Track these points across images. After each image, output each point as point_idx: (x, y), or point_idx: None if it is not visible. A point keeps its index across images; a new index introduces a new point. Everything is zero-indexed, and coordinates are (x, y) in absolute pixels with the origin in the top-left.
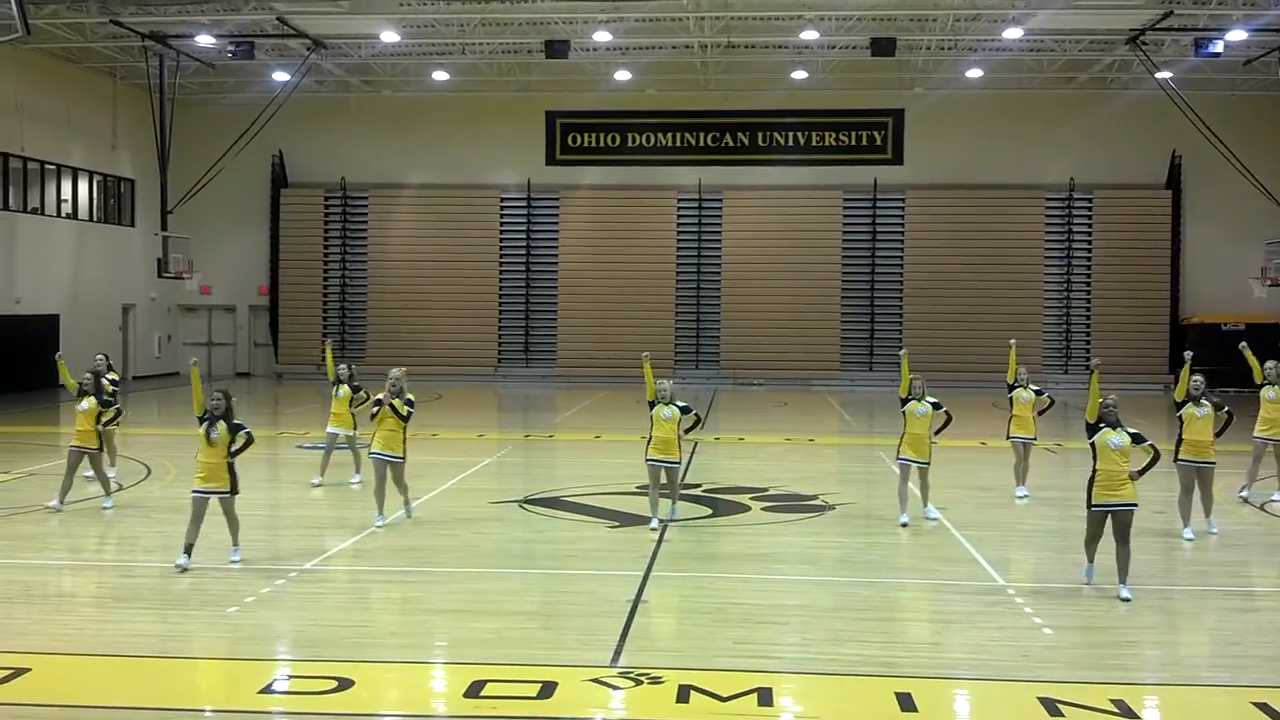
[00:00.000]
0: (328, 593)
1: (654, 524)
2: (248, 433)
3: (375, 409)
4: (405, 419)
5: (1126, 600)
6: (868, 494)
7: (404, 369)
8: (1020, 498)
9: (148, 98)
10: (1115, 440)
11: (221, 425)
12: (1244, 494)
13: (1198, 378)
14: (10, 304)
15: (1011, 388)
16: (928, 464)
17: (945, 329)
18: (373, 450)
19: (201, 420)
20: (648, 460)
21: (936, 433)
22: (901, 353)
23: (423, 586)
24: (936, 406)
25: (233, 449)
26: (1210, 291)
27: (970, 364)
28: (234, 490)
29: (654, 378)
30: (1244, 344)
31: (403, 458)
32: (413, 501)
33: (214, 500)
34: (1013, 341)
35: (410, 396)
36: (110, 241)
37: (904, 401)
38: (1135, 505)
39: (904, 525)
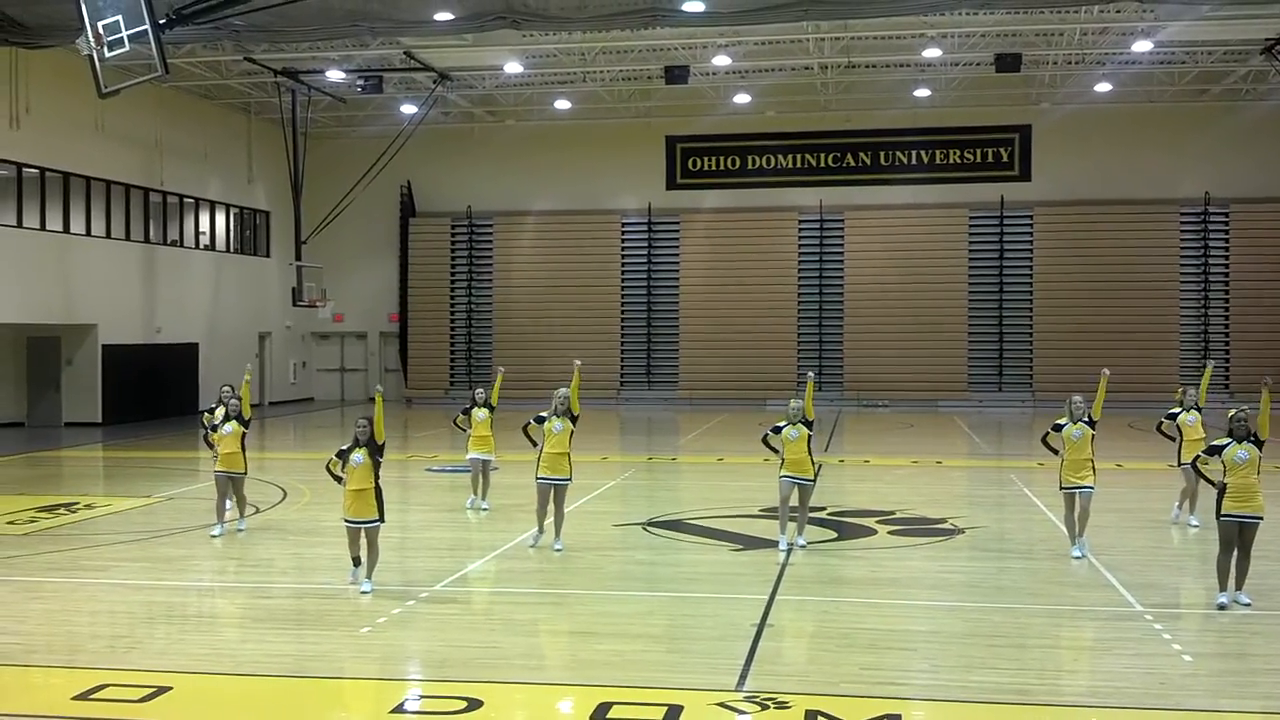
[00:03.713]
0: (457, 614)
1: (782, 544)
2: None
3: (542, 425)
4: (574, 420)
5: (1247, 605)
6: (998, 518)
7: (568, 386)
8: (1192, 526)
9: (281, 132)
10: (1242, 454)
11: (363, 451)
12: None
13: None
14: (151, 333)
15: (1174, 415)
16: (1091, 489)
17: (1077, 349)
18: (539, 474)
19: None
20: (781, 476)
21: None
22: (1104, 373)
23: (549, 608)
24: (1091, 424)
25: (375, 475)
26: None
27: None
28: (381, 518)
29: (804, 397)
30: None
31: (569, 479)
32: (531, 529)
33: (366, 529)
34: (1105, 371)
35: (576, 412)
36: (246, 272)
37: (1057, 427)
38: (1262, 518)
39: (1077, 558)
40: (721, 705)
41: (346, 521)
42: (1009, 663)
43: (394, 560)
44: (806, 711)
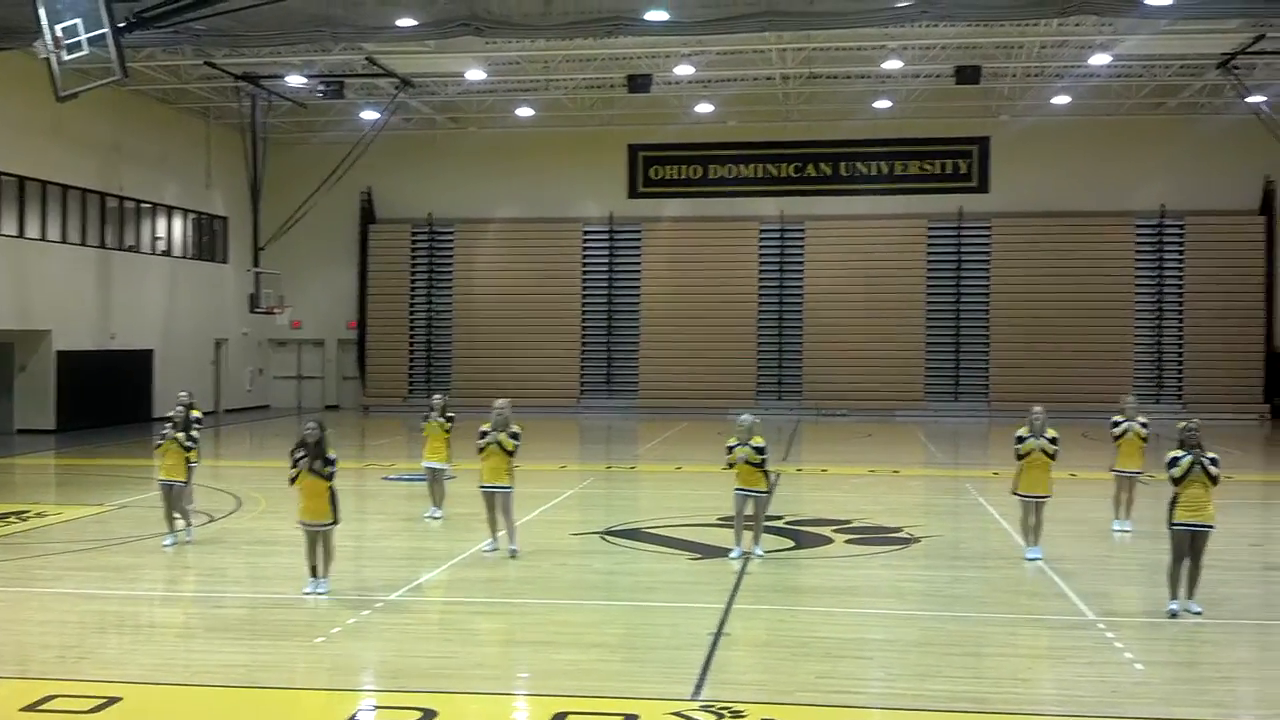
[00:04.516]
0: (412, 624)
1: (735, 553)
2: (333, 469)
3: (481, 442)
4: (511, 454)
5: (1198, 613)
6: (953, 527)
7: (509, 400)
8: (1118, 530)
9: (240, 137)
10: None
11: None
12: None
13: None
14: (106, 339)
15: (1116, 423)
16: (1046, 497)
17: (1033, 359)
18: (482, 482)
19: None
20: (735, 490)
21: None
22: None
23: (505, 618)
24: (1053, 441)
25: (328, 476)
26: None
27: (1059, 394)
28: (336, 520)
29: (734, 411)
30: None
31: (510, 487)
32: (498, 533)
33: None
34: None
35: (516, 429)
36: (203, 278)
37: (1021, 439)
38: (1213, 527)
39: (1031, 560)
40: (677, 714)
41: (303, 525)
42: (964, 671)
43: (349, 569)
44: None
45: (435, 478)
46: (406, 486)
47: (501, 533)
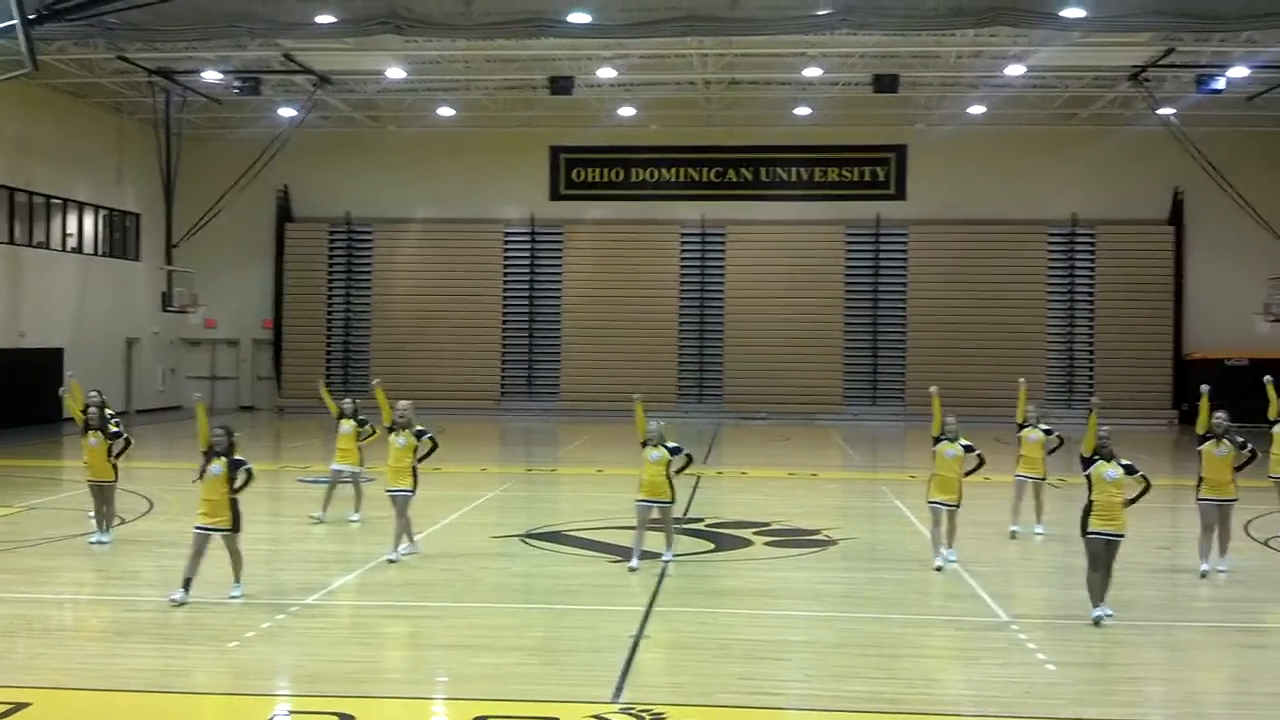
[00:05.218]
0: (329, 628)
1: (634, 564)
2: (248, 469)
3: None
4: (426, 455)
5: (1110, 615)
6: (871, 529)
7: (410, 402)
8: (1013, 531)
9: (154, 133)
10: (1111, 473)
11: (221, 461)
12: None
13: (1220, 414)
14: (14, 337)
15: (1021, 427)
16: (956, 507)
17: (948, 364)
18: (387, 486)
19: (205, 455)
20: (637, 500)
21: (966, 474)
22: (933, 390)
23: (424, 622)
24: (969, 449)
25: (234, 486)
26: (1213, 327)
27: (974, 399)
28: (236, 527)
29: (645, 417)
30: (1269, 378)
31: (409, 490)
32: (416, 536)
33: (217, 537)
34: (1022, 380)
35: (420, 428)
36: (115, 275)
37: (936, 441)
38: (1124, 535)
39: (939, 569)
40: (597, 718)
41: (197, 529)
42: (880, 672)
43: (264, 573)
44: None
45: (345, 479)
46: (324, 489)
47: (417, 537)
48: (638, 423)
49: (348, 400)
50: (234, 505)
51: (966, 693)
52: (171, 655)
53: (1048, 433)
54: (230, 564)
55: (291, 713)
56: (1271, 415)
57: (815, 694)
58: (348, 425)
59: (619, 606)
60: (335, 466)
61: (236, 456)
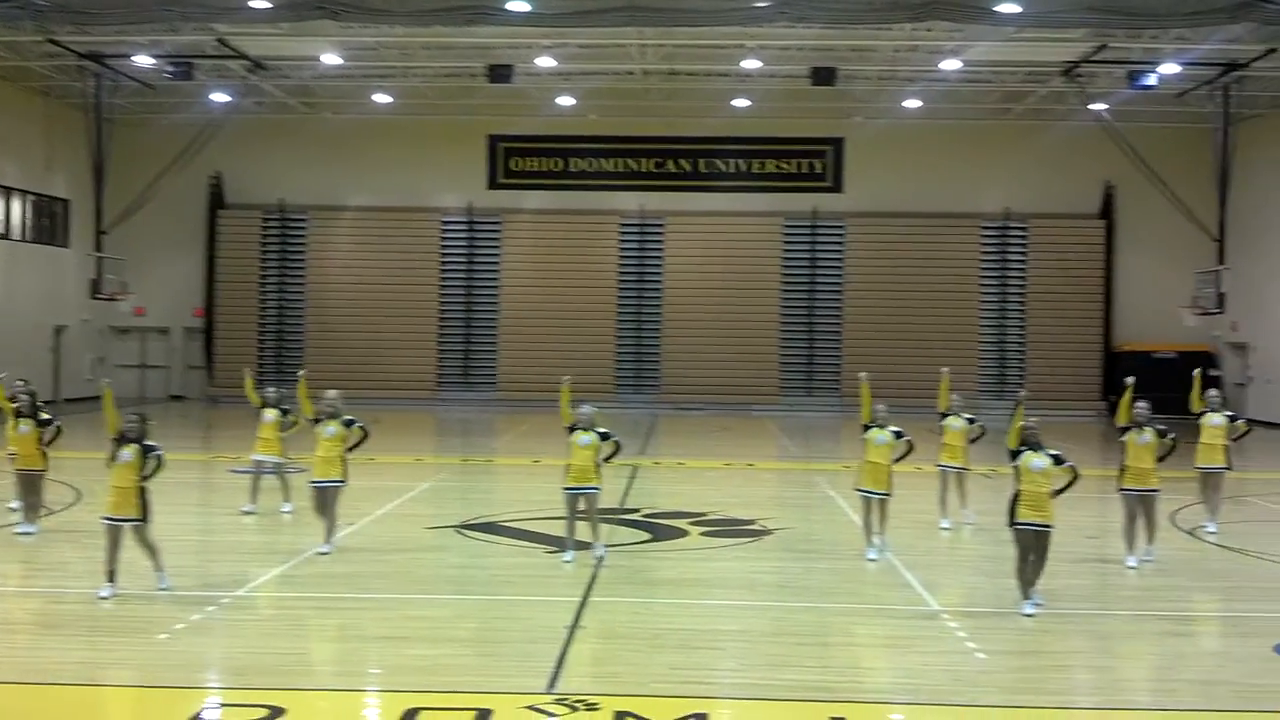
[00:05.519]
0: (260, 620)
1: (568, 556)
2: (159, 455)
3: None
4: (356, 445)
5: (1040, 605)
6: (805, 519)
7: (339, 391)
8: (944, 528)
9: (84, 117)
10: (1038, 463)
11: (133, 448)
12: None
13: (1142, 404)
14: None
15: (944, 416)
16: (887, 495)
17: (883, 355)
18: (311, 479)
19: (116, 441)
20: (564, 489)
21: (896, 461)
22: (862, 377)
23: (356, 613)
24: (898, 435)
25: (144, 473)
26: (1142, 319)
27: (908, 390)
28: (144, 518)
29: (574, 403)
30: (1198, 370)
31: (339, 481)
32: (345, 528)
33: (127, 529)
34: (945, 370)
35: (349, 417)
36: (42, 262)
37: (865, 429)
38: (1053, 526)
39: (872, 560)
40: (531, 708)
41: (106, 520)
42: (813, 661)
43: (194, 564)
44: (615, 713)
45: (261, 471)
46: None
47: (339, 534)
48: (562, 408)
49: (270, 390)
50: (143, 494)
51: (899, 681)
52: (99, 648)
53: (970, 421)
54: (147, 558)
55: (222, 705)
56: (1192, 408)
57: (749, 683)
58: (270, 415)
59: (554, 597)
60: (256, 457)
61: (148, 442)
